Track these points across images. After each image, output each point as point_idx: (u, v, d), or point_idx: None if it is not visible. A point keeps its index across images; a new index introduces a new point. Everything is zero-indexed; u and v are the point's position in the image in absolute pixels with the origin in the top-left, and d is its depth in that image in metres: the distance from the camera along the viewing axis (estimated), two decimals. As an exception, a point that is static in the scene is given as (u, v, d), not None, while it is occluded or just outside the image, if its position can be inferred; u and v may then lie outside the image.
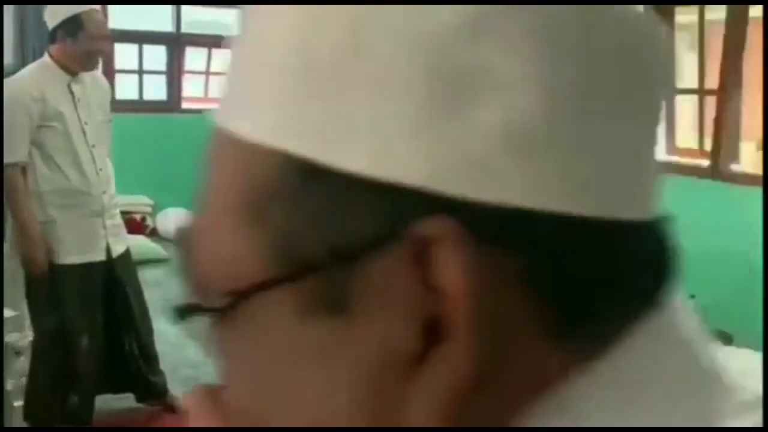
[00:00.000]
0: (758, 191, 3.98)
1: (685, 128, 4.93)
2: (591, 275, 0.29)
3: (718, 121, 4.36)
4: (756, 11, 4.18)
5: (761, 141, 4.20)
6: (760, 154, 4.23)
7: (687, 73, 4.83)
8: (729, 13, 4.29)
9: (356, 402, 0.29)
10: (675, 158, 4.72)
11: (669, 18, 4.68)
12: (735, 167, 4.35)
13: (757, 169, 4.18)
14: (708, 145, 4.47)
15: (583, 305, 0.29)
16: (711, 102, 4.44)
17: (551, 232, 0.28)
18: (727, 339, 4.11)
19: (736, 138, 4.38)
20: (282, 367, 0.31)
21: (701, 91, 4.57)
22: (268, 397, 0.31)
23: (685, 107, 4.93)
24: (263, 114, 0.30)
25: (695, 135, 4.69)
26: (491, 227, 0.28)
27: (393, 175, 0.27)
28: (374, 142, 0.28)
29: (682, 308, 0.33)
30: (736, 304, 4.06)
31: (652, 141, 0.32)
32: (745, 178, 4.21)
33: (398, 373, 0.28)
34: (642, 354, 0.30)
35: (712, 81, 4.41)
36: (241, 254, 0.30)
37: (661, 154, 3.96)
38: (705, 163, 4.44)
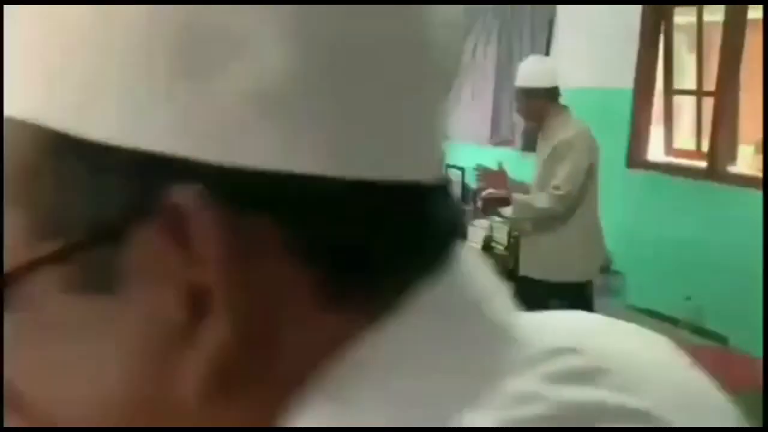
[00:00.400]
0: (755, 193, 3.98)
1: (683, 129, 4.94)
2: (365, 238, 0.29)
3: (716, 123, 4.36)
4: (754, 13, 4.18)
5: (759, 143, 4.20)
6: (756, 156, 4.23)
7: (686, 74, 4.84)
8: (727, 14, 4.29)
9: (135, 378, 0.29)
10: (672, 159, 4.72)
11: (668, 19, 4.68)
12: (732, 169, 4.36)
13: (754, 171, 4.19)
14: (705, 147, 4.48)
15: (359, 268, 0.29)
16: (709, 103, 4.44)
17: (315, 195, 0.28)
18: (722, 340, 4.12)
19: (733, 140, 4.39)
20: (58, 348, 0.30)
21: (699, 93, 4.57)
22: (50, 381, 0.30)
23: (684, 108, 4.93)
24: (20, 90, 0.29)
25: (693, 136, 4.70)
26: (248, 193, 0.27)
27: (143, 144, 0.27)
28: (123, 111, 0.27)
29: (473, 267, 0.33)
30: (733, 305, 4.07)
31: (433, 105, 0.31)
32: (742, 180, 4.21)
33: (170, 347, 0.28)
34: (427, 313, 0.30)
35: (711, 82, 4.42)
36: (10, 234, 0.29)
37: (659, 155, 3.96)
38: (702, 164, 4.44)
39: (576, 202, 3.19)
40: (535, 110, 3.26)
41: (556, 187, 3.13)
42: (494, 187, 3.39)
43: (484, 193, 3.49)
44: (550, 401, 0.28)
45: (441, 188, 0.32)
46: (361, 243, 0.29)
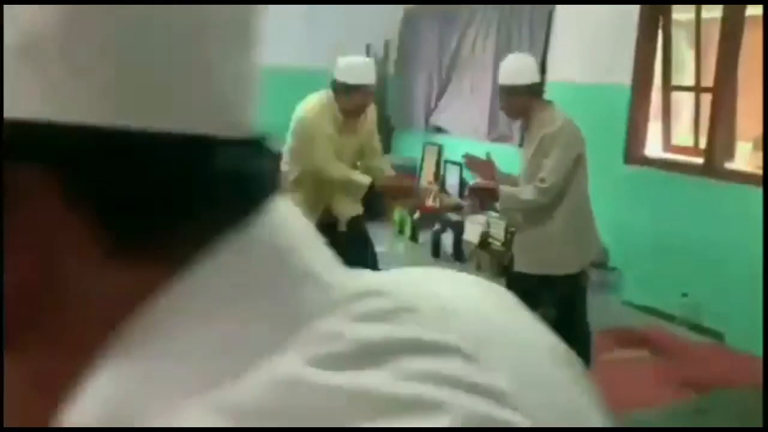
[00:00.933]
0: (752, 190, 3.98)
1: (680, 125, 4.93)
2: (146, 189, 0.29)
3: (714, 119, 4.37)
4: (752, 10, 4.18)
5: (757, 140, 4.21)
6: (754, 153, 4.23)
7: (684, 70, 4.84)
8: (725, 11, 4.29)
9: None
10: (670, 155, 4.72)
11: (666, 14, 4.68)
12: (729, 165, 4.36)
13: (752, 168, 4.19)
14: (703, 143, 4.48)
15: (144, 220, 0.29)
16: (707, 100, 4.44)
17: (92, 147, 0.28)
18: (719, 337, 4.12)
19: (731, 136, 4.39)
20: None
21: (697, 89, 4.57)
22: None
23: (682, 104, 4.93)
24: None
25: (691, 132, 4.70)
26: (17, 145, 0.27)
27: None
28: None
29: (285, 220, 0.33)
30: (729, 302, 4.07)
31: (219, 59, 0.30)
32: (739, 177, 4.22)
33: None
34: (229, 264, 0.30)
35: (709, 79, 4.42)
36: None
37: (656, 151, 3.93)
38: (699, 161, 4.45)
39: (562, 193, 3.21)
40: (516, 107, 3.30)
41: (542, 180, 3.16)
42: (481, 177, 3.41)
43: (471, 183, 3.52)
44: (348, 339, 0.29)
45: (246, 143, 0.32)
46: (143, 194, 0.29)
